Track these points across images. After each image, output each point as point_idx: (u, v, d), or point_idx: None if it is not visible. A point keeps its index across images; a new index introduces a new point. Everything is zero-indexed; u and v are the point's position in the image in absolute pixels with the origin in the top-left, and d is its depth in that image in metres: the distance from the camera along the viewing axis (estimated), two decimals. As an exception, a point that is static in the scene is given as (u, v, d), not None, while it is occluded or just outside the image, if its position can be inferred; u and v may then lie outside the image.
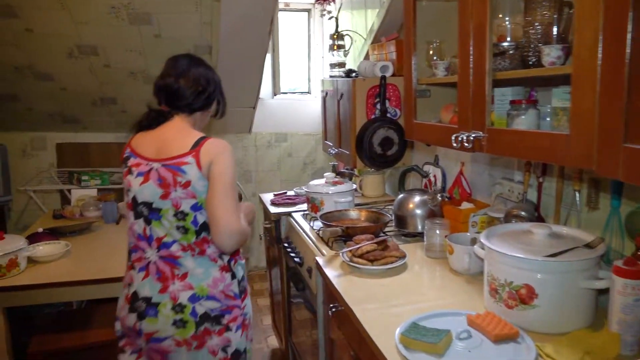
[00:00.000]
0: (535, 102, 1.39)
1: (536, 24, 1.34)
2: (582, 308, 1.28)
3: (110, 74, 3.41)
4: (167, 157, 1.57)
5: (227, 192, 1.54)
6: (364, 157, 2.52)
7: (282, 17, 4.28)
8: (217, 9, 2.87)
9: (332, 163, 3.42)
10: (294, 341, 2.76)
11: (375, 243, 1.81)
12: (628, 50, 0.91)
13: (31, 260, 2.31)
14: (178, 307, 1.56)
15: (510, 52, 1.41)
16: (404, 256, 1.81)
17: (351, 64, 3.24)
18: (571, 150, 1.10)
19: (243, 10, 2.91)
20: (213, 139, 1.61)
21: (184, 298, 1.56)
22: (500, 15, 1.48)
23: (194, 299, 1.57)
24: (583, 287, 1.25)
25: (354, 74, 2.71)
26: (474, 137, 1.42)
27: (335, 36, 3.09)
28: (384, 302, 1.53)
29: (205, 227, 1.59)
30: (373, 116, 2.52)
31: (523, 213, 1.68)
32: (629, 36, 0.91)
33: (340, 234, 2.05)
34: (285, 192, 3.11)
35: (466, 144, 1.44)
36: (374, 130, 2.48)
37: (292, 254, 2.34)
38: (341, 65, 3.05)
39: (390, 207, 2.60)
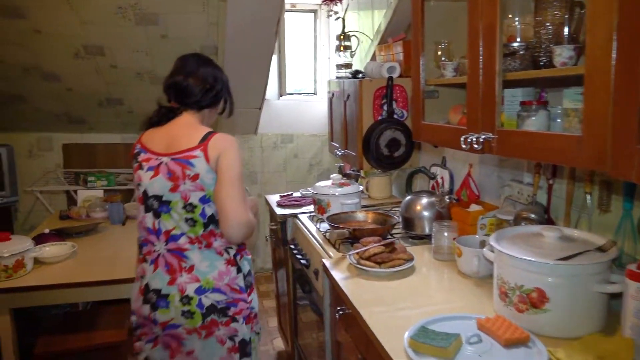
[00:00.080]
0: (545, 103, 1.37)
1: (547, 24, 1.32)
2: (594, 312, 1.26)
3: (116, 75, 3.41)
4: (176, 151, 1.63)
5: (235, 184, 1.60)
6: (370, 159, 2.51)
7: (288, 17, 4.27)
8: (224, 10, 2.86)
9: (338, 164, 3.40)
10: (300, 343, 2.75)
11: (383, 245, 1.79)
12: (644, 49, 0.89)
13: (38, 261, 2.31)
14: (185, 299, 1.62)
15: (521, 52, 1.39)
16: (411, 259, 1.79)
17: (358, 65, 3.23)
18: (584, 152, 1.08)
19: (250, 10, 2.90)
20: (220, 133, 1.66)
21: (190, 290, 1.62)
22: (510, 16, 1.46)
23: (200, 291, 1.63)
24: (595, 291, 1.23)
25: (360, 75, 2.69)
26: (483, 138, 1.40)
27: (341, 37, 3.07)
28: (391, 305, 1.52)
29: (213, 219, 1.64)
30: (380, 117, 2.50)
31: (533, 215, 1.66)
32: (644, 35, 0.89)
33: (347, 236, 2.04)
34: (291, 194, 3.10)
35: (475, 146, 1.42)
36: (380, 131, 2.46)
37: (299, 256, 2.33)
38: (348, 66, 3.03)
39: (397, 209, 2.58)
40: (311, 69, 4.44)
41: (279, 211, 2.76)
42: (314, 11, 4.32)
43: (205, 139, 1.63)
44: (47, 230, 2.60)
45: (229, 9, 2.85)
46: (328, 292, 1.94)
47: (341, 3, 3.58)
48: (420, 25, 1.80)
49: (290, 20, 4.31)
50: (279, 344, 3.28)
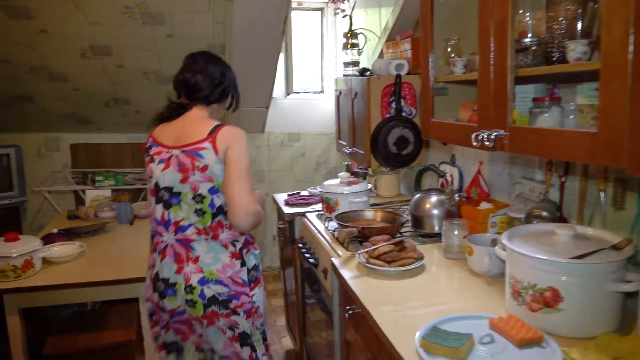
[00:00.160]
0: (558, 99, 1.35)
1: (560, 19, 1.30)
2: (609, 312, 1.24)
3: (123, 74, 3.41)
4: (185, 143, 1.70)
5: (243, 175, 1.65)
6: (378, 157, 2.49)
7: (295, 16, 4.26)
8: (230, 9, 2.85)
9: (346, 163, 3.39)
10: (308, 342, 2.74)
11: (393, 244, 1.77)
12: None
13: (46, 261, 2.31)
14: (188, 288, 1.69)
15: (533, 48, 1.37)
16: (421, 257, 1.77)
17: (365, 62, 3.21)
18: (599, 148, 1.06)
19: (256, 9, 2.89)
20: (229, 126, 1.72)
21: (194, 280, 1.69)
22: (521, 11, 1.44)
23: (203, 281, 1.69)
24: (610, 290, 1.21)
25: (368, 73, 2.67)
26: (495, 135, 1.38)
27: (349, 35, 3.05)
28: (402, 304, 1.50)
29: (221, 210, 1.70)
30: (388, 115, 2.48)
31: (545, 213, 1.64)
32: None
33: (356, 235, 2.02)
34: (299, 192, 3.09)
35: (487, 143, 1.41)
36: (389, 129, 2.44)
37: (307, 255, 2.31)
38: (355, 64, 3.02)
39: (405, 207, 2.56)
40: (318, 67, 4.42)
41: (287, 210, 2.75)
42: (321, 9, 4.30)
43: (214, 131, 1.69)
44: (55, 230, 2.61)
45: (235, 7, 2.84)
46: (337, 291, 1.93)
47: (348, 1, 3.56)
48: (430, 22, 1.78)
49: (297, 19, 4.29)
50: (287, 342, 3.27)
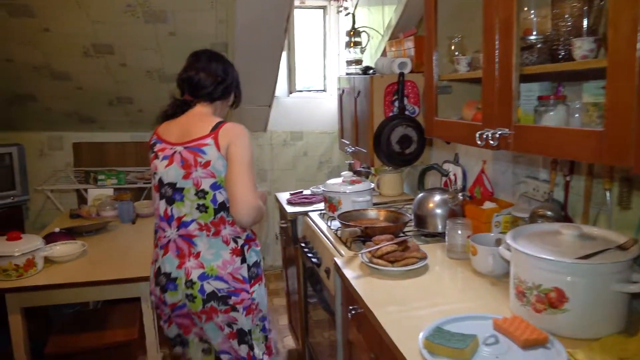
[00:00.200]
0: (564, 97, 1.34)
1: (566, 15, 1.28)
2: (614, 313, 1.23)
3: (126, 73, 3.41)
4: (188, 140, 1.72)
5: (245, 170, 1.68)
6: (381, 156, 2.48)
7: (297, 14, 4.24)
8: (233, 7, 2.84)
9: (348, 161, 3.38)
10: (310, 342, 2.73)
11: (396, 244, 1.76)
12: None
13: (48, 261, 2.30)
14: (189, 283, 1.72)
15: (538, 45, 1.35)
16: (425, 257, 1.76)
17: (368, 61, 3.20)
18: (605, 147, 1.05)
19: (259, 7, 2.88)
20: (231, 122, 1.74)
21: (195, 275, 1.72)
22: (526, 8, 1.43)
23: (203, 277, 1.72)
24: (616, 290, 1.20)
25: (371, 71, 2.66)
26: (499, 134, 1.37)
27: (351, 33, 3.04)
28: (405, 304, 1.49)
29: (223, 206, 1.73)
30: (391, 114, 2.47)
31: (549, 213, 1.62)
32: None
33: (359, 234, 2.01)
34: (302, 191, 3.07)
35: (491, 142, 1.39)
36: (392, 128, 2.43)
37: (310, 254, 2.30)
38: (358, 62, 3.00)
39: (409, 206, 2.55)
40: (321, 65, 4.41)
41: (289, 209, 2.74)
42: (324, 7, 4.29)
43: (216, 127, 1.71)
44: (57, 229, 2.60)
45: (238, 6, 2.83)
46: (340, 291, 1.92)
47: (351, -1, 3.55)
48: (433, 20, 1.76)
49: (299, 17, 4.28)
50: (290, 342, 3.26)
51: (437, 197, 2.09)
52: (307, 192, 3.05)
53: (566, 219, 1.64)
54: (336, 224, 2.26)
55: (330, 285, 2.04)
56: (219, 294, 1.72)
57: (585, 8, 1.27)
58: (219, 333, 1.79)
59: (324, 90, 4.44)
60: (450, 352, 1.15)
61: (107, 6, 2.79)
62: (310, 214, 2.62)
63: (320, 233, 2.31)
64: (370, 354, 1.55)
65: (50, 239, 2.47)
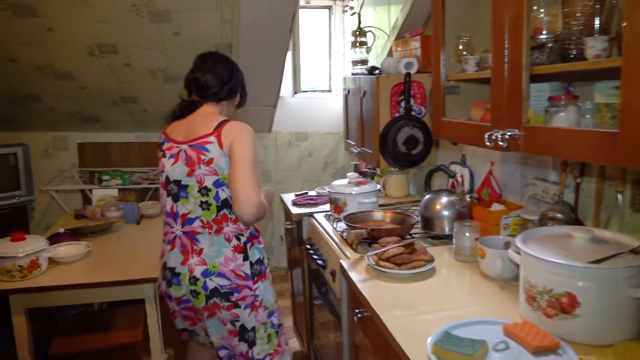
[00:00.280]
0: (575, 98, 1.31)
1: (577, 14, 1.26)
2: (628, 318, 1.19)
3: (130, 73, 3.40)
4: (193, 138, 1.78)
5: (247, 168, 1.71)
6: (387, 157, 2.45)
7: (302, 14, 4.22)
8: (238, 6, 2.82)
9: (354, 162, 3.35)
10: (315, 344, 2.71)
11: (403, 246, 1.74)
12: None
13: (52, 261, 2.29)
14: (192, 279, 1.78)
15: (549, 45, 1.33)
16: (432, 260, 1.74)
17: (373, 61, 3.17)
18: (619, 149, 1.02)
19: (264, 7, 2.86)
20: (234, 121, 1.79)
21: (198, 272, 1.78)
22: (535, 7, 1.40)
23: (206, 273, 1.78)
24: (629, 295, 1.17)
25: (377, 71, 2.63)
26: (509, 135, 1.34)
27: (357, 33, 3.02)
28: (412, 308, 1.47)
29: (226, 204, 1.77)
30: (397, 114, 2.44)
31: (559, 215, 1.59)
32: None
33: (365, 237, 1.99)
34: (307, 193, 3.05)
35: (501, 143, 1.36)
36: (398, 128, 2.40)
37: (315, 256, 2.28)
38: (363, 62, 2.98)
39: (415, 207, 2.53)
40: (326, 66, 4.39)
41: (295, 210, 2.72)
42: (329, 7, 4.27)
43: (220, 126, 1.76)
44: (61, 230, 2.59)
45: (242, 5, 2.81)
46: (346, 294, 1.90)
47: (356, -2, 3.52)
48: (441, 19, 1.74)
49: (304, 17, 4.26)
50: (295, 344, 3.24)
51: (444, 199, 2.07)
52: (312, 193, 3.03)
53: (577, 221, 1.61)
54: (342, 225, 2.24)
55: (336, 288, 2.02)
56: (222, 291, 1.77)
57: (597, 6, 1.24)
58: (221, 329, 1.85)
59: (329, 91, 4.42)
60: (459, 358, 1.13)
61: (111, 6, 2.78)
62: (315, 215, 2.60)
63: (326, 235, 2.29)
64: (377, 358, 1.53)
65: (54, 239, 2.46)
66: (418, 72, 2.44)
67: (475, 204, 2.01)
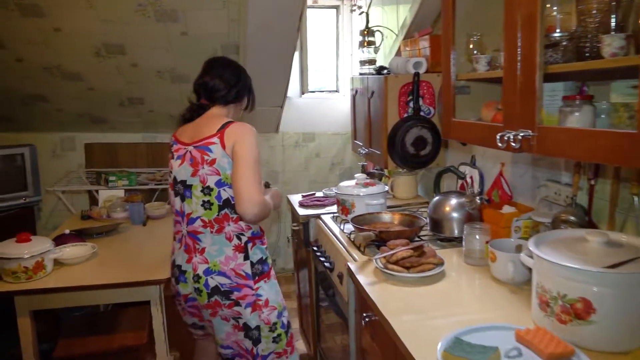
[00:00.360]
0: (590, 97, 1.27)
1: (593, 11, 1.22)
2: (645, 325, 1.16)
3: (137, 73, 3.38)
4: (198, 139, 1.82)
5: (249, 167, 1.74)
6: (395, 158, 2.42)
7: (310, 14, 4.20)
8: (245, 6, 2.80)
9: (361, 163, 3.32)
10: (322, 346, 2.68)
11: (412, 249, 1.70)
12: None
13: (58, 263, 2.28)
14: (196, 277, 1.84)
15: (563, 43, 1.29)
16: (442, 263, 1.70)
17: (381, 61, 3.14)
18: (637, 150, 0.99)
19: (271, 7, 2.84)
20: (238, 122, 1.83)
21: (200, 270, 1.83)
22: (548, 5, 1.36)
23: (207, 272, 1.82)
24: (647, 301, 1.13)
25: (385, 71, 2.60)
26: (522, 136, 1.30)
27: (365, 32, 2.98)
28: (422, 313, 1.43)
29: (228, 203, 1.80)
30: (406, 115, 2.41)
31: (572, 218, 1.55)
32: None
33: (373, 239, 1.96)
34: (314, 194, 3.03)
35: (513, 144, 1.33)
36: (406, 129, 2.37)
37: (322, 258, 2.25)
38: (371, 62, 2.95)
39: (423, 209, 2.49)
40: (333, 66, 4.36)
41: (302, 211, 2.69)
42: (336, 7, 4.24)
43: (223, 127, 1.80)
44: (67, 231, 2.58)
45: (250, 5, 2.79)
46: (353, 297, 1.87)
47: (364, -2, 3.49)
48: (451, 17, 1.70)
49: (312, 17, 4.23)
50: (301, 346, 3.21)
51: (454, 201, 2.03)
52: (319, 194, 3.00)
53: (590, 224, 1.57)
54: (349, 227, 2.21)
55: (343, 291, 1.99)
56: (222, 289, 1.81)
57: (614, 3, 1.21)
58: (224, 327, 1.88)
59: (336, 91, 4.39)
60: (471, 366, 1.10)
61: (117, 5, 2.77)
62: (322, 216, 2.57)
63: (333, 236, 2.26)
64: (385, 363, 1.50)
65: (60, 240, 2.45)
66: (427, 71, 2.41)
67: (486, 206, 1.97)
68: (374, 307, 1.52)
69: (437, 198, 2.10)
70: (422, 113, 2.41)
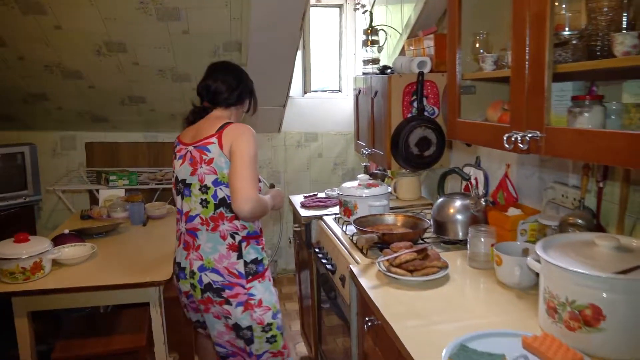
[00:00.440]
0: (601, 97, 1.24)
1: (604, 9, 1.18)
2: (657, 333, 1.12)
3: (138, 72, 3.35)
4: (198, 140, 1.87)
5: (245, 165, 1.77)
6: (399, 158, 2.38)
7: (313, 13, 4.16)
8: (247, 4, 2.77)
9: (364, 164, 3.29)
10: (323, 349, 2.64)
11: (415, 252, 1.67)
12: None
13: (56, 263, 2.25)
14: (191, 273, 1.89)
15: (573, 42, 1.25)
16: (446, 266, 1.67)
17: (385, 60, 3.11)
18: (651, 153, 0.95)
19: (274, 5, 2.80)
20: (236, 123, 1.89)
21: (195, 266, 1.88)
22: (557, 3, 1.33)
23: (201, 268, 1.87)
24: (658, 308, 1.10)
25: (389, 71, 2.57)
26: (530, 137, 1.27)
27: (369, 31, 2.95)
28: (426, 318, 1.40)
29: (223, 202, 1.84)
30: (409, 115, 2.38)
31: (580, 221, 1.52)
32: None
33: (376, 241, 1.92)
34: (316, 194, 2.99)
35: (521, 145, 1.29)
36: (410, 129, 2.33)
37: (324, 260, 2.22)
38: (375, 61, 2.91)
39: (427, 211, 2.46)
40: (336, 65, 4.33)
41: (303, 212, 2.66)
42: (340, 6, 4.21)
43: (222, 127, 1.85)
44: (66, 231, 2.55)
45: (252, 3, 2.75)
46: (355, 300, 1.83)
47: (368, -3, 3.45)
48: (457, 15, 1.67)
49: (315, 16, 4.20)
50: (302, 349, 3.18)
51: (458, 203, 2.00)
52: (321, 195, 2.97)
53: (599, 228, 1.53)
54: (352, 229, 2.18)
55: (345, 294, 1.96)
56: (214, 286, 1.86)
57: (625, 1, 1.17)
58: (216, 325, 1.94)
59: (339, 91, 4.35)
60: (477, 374, 1.06)
61: (119, 3, 2.74)
62: (324, 218, 2.54)
63: (335, 238, 2.23)
64: (388, 368, 1.47)
65: (59, 240, 2.42)
66: (431, 71, 2.38)
67: (491, 208, 1.94)
68: (377, 311, 1.49)
69: (441, 200, 2.06)
70: (426, 113, 2.37)
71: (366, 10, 3.10)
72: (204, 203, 1.85)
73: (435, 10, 2.61)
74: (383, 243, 1.91)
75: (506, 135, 1.34)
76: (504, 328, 1.30)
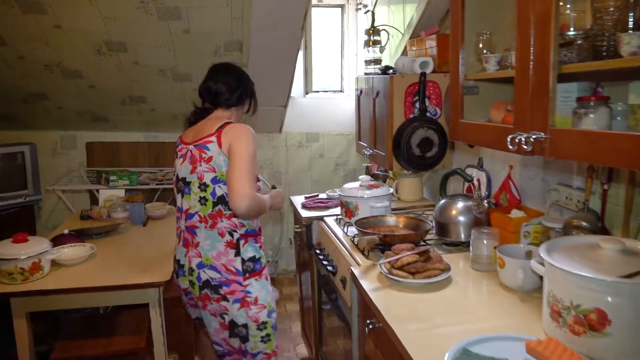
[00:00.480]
0: (606, 98, 1.22)
1: (610, 8, 1.17)
2: (663, 338, 1.10)
3: (139, 72, 3.34)
4: (198, 138, 1.90)
5: (243, 163, 1.79)
6: (401, 159, 2.37)
7: (314, 13, 4.15)
8: (249, 4, 2.76)
9: (366, 164, 3.27)
10: (324, 350, 2.63)
11: (417, 254, 1.65)
12: None
13: (55, 264, 2.23)
14: (190, 270, 1.92)
15: (578, 42, 1.24)
16: (448, 269, 1.65)
17: (387, 60, 3.09)
18: (658, 155, 0.93)
19: (275, 5, 2.79)
20: (235, 123, 1.93)
21: (194, 263, 1.91)
22: (561, 3, 1.31)
23: (200, 265, 1.90)
24: (665, 313, 1.08)
25: (391, 71, 2.55)
26: (534, 138, 1.25)
27: (371, 31, 2.93)
28: (428, 321, 1.38)
29: (221, 200, 1.86)
30: (411, 115, 2.36)
31: (585, 224, 1.50)
32: None
33: (377, 243, 1.91)
34: (317, 195, 2.98)
35: (525, 147, 1.27)
36: (412, 130, 2.32)
37: (325, 262, 2.20)
38: (377, 61, 2.89)
39: (429, 212, 2.44)
40: (338, 65, 4.31)
41: (304, 213, 2.64)
42: (341, 6, 4.19)
43: (221, 127, 1.88)
44: (66, 231, 2.54)
45: (253, 3, 2.74)
46: (356, 302, 1.82)
47: (370, -3, 3.43)
48: (460, 15, 1.65)
49: (316, 16, 4.18)
50: (303, 350, 3.17)
51: (460, 204, 1.98)
52: (322, 195, 2.95)
53: (603, 231, 1.52)
54: (353, 230, 2.16)
55: (346, 296, 1.94)
56: (212, 283, 1.88)
57: (631, 0, 1.15)
58: (212, 322, 1.97)
59: (341, 91, 4.34)
60: (480, 379, 1.05)
61: (119, 3, 2.72)
62: (325, 219, 2.52)
63: (336, 240, 2.21)
64: (389, 372, 1.45)
65: (58, 241, 2.40)
66: (433, 71, 2.36)
67: (494, 209, 1.92)
68: (378, 314, 1.47)
69: (443, 201, 2.05)
70: (428, 114, 2.36)
71: (368, 10, 3.08)
72: (203, 200, 1.88)
73: (437, 10, 2.59)
74: (384, 245, 1.90)
75: (510, 136, 1.33)
76: (507, 331, 1.28)
